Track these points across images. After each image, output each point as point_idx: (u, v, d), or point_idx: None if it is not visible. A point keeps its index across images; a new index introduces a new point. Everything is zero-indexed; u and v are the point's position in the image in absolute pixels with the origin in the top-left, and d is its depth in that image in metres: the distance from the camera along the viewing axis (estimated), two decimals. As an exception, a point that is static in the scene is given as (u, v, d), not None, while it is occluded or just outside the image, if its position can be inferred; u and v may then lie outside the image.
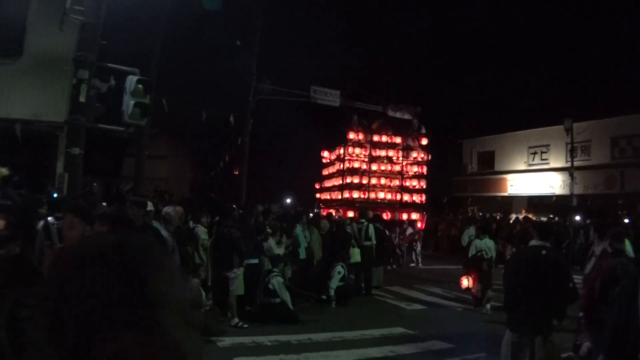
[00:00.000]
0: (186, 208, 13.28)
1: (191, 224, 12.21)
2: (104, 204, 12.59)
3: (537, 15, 57.96)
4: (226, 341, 9.76)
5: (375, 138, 24.13)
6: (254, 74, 25.01)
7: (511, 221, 29.70)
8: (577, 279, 13.81)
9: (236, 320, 10.90)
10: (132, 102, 11.26)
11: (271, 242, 12.62)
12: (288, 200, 35.10)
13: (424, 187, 25.20)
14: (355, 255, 15.47)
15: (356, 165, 23.82)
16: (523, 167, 38.05)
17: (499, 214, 34.50)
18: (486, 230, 14.50)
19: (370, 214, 18.57)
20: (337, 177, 25.69)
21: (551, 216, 31.76)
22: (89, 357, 1.00)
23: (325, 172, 28.61)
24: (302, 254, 14.51)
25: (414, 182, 24.91)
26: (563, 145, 31.77)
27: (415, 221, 24.57)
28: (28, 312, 1.22)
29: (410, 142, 24.82)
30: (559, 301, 6.26)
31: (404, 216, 24.25)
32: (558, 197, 33.92)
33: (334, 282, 13.91)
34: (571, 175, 28.05)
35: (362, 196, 23.62)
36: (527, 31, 58.86)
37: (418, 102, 27.12)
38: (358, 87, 29.01)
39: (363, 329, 11.04)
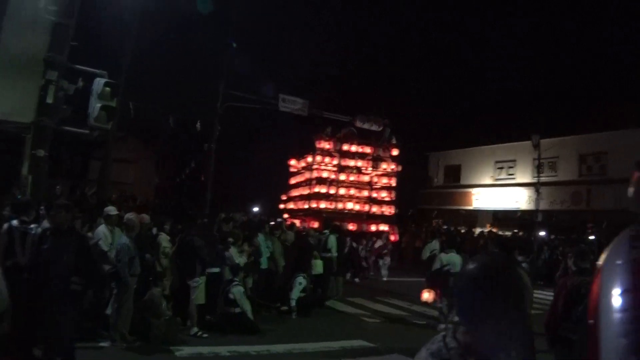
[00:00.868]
0: (150, 214, 13.17)
1: (154, 230, 12.08)
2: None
3: (505, 32, 58.69)
4: (185, 350, 9.65)
5: (345, 147, 24.09)
6: (222, 81, 24.87)
7: (475, 235, 29.82)
8: (541, 294, 13.97)
9: (196, 329, 10.78)
10: (98, 105, 11.14)
11: (233, 250, 12.53)
12: (255, 209, 34.98)
13: (393, 198, 25.20)
14: (318, 266, 15.36)
15: (324, 174, 23.73)
16: (489, 181, 38.34)
17: (463, 227, 34.68)
18: (452, 245, 14.18)
19: (334, 224, 18.49)
20: (304, 186, 25.57)
21: (515, 231, 32.00)
22: None
23: (292, 180, 28.49)
24: (264, 264, 14.41)
25: (383, 194, 24.89)
26: (530, 160, 32.11)
27: (384, 233, 24.28)
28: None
29: (381, 153, 24.81)
30: None
31: (372, 228, 24.14)
32: (523, 212, 34.24)
33: (295, 293, 13.83)
34: (537, 190, 28.32)
35: (330, 206, 23.51)
36: (495, 47, 59.55)
37: (385, 113, 27.20)
38: (327, 97, 29.11)
39: (323, 340, 10.97)
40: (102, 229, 10.36)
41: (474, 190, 38.78)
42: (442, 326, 12.69)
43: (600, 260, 2.22)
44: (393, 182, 25.21)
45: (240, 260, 12.67)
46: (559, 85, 49.05)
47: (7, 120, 13.20)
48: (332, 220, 22.27)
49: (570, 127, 33.25)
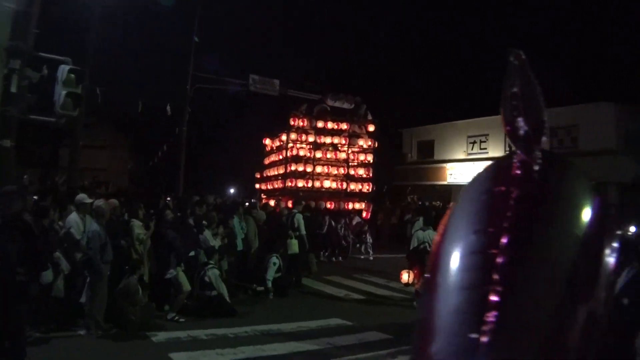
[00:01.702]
0: (122, 201, 13.06)
1: (126, 216, 12.01)
2: (35, 197, 12.32)
3: (477, 8, 58.79)
4: (161, 336, 9.64)
5: (320, 124, 23.90)
6: (191, 63, 24.64)
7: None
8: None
9: (173, 314, 10.77)
10: (63, 92, 10.96)
11: (207, 234, 12.50)
12: (232, 191, 34.86)
13: (371, 175, 25.11)
14: (294, 246, 15.33)
15: (300, 152, 23.56)
16: (462, 156, 38.49)
17: (438, 202, 34.83)
18: (428, 222, 13.04)
19: (303, 203, 18.41)
20: (279, 165, 25.35)
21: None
22: None
23: (267, 160, 28.33)
24: (239, 245, 14.38)
25: (360, 171, 24.74)
26: (502, 134, 32.22)
27: (361, 211, 24.36)
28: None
29: (357, 129, 24.65)
30: None
31: (350, 206, 24.05)
32: (497, 186, 34.47)
33: (270, 274, 13.83)
34: (509, 164, 28.44)
35: (306, 185, 23.37)
36: (466, 22, 59.65)
37: (357, 90, 27.11)
38: (297, 76, 28.98)
39: (300, 320, 11.01)
40: (73, 217, 10.26)
41: (448, 165, 38.90)
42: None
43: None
44: (370, 158, 25.07)
45: (215, 243, 12.65)
46: (530, 58, 49.32)
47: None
48: (309, 199, 22.26)
49: (541, 101, 33.46)
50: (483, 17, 61.88)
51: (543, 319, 1.28)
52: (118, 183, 29.52)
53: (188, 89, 24.53)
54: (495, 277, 1.27)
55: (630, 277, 5.45)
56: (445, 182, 39.10)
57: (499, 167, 1.70)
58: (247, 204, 18.71)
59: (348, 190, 24.39)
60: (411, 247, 12.63)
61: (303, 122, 23.61)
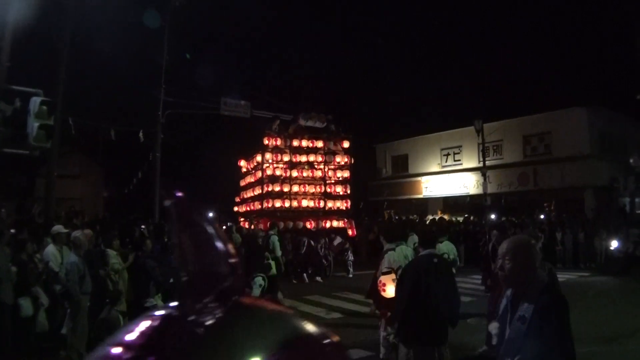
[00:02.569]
0: (97, 230, 13.02)
1: (102, 246, 11.97)
2: (12, 230, 12.25)
3: (445, 19, 59.39)
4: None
5: (295, 143, 23.87)
6: (162, 88, 24.61)
7: (427, 222, 30.12)
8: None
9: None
10: (36, 124, 10.95)
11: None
12: (210, 214, 34.71)
13: (348, 192, 25.06)
14: (272, 267, 15.30)
15: (277, 172, 23.51)
16: (437, 169, 38.80)
17: (415, 216, 35.00)
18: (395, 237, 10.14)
19: (281, 224, 18.34)
20: (256, 186, 25.21)
21: (466, 215, 32.46)
22: None
23: (243, 182, 28.25)
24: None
25: (338, 188, 24.68)
26: (475, 145, 32.58)
27: (343, 229, 24.14)
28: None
29: (332, 146, 24.59)
30: (453, 307, 6.48)
31: (328, 224, 23.93)
32: (473, 196, 34.77)
33: (255, 293, 13.81)
34: (484, 174, 28.78)
35: (284, 205, 23.29)
36: (436, 34, 60.19)
37: (329, 108, 27.20)
38: (268, 98, 29.02)
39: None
40: (50, 249, 10.26)
41: (423, 179, 39.21)
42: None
43: None
44: (347, 175, 25.04)
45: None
46: (499, 69, 49.86)
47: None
48: (287, 219, 22.27)
49: (512, 110, 33.90)
50: (451, 27, 62.56)
51: None
52: (93, 212, 29.29)
53: (160, 114, 24.49)
54: None
55: None
56: (421, 196, 39.35)
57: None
58: (223, 227, 18.62)
59: (326, 208, 24.32)
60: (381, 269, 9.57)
61: (277, 141, 23.56)
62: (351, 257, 22.67)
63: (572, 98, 31.21)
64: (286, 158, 23.72)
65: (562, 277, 21.66)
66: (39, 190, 29.58)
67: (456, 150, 37.72)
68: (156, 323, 1.36)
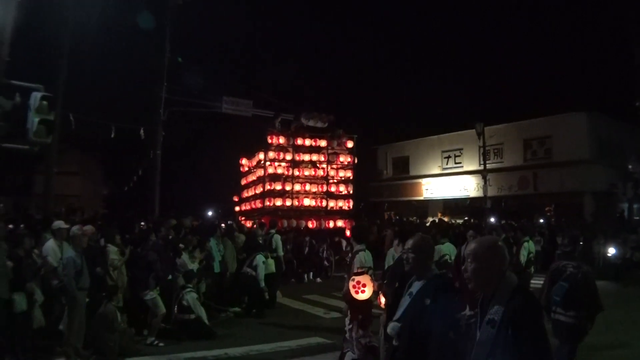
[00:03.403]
0: (98, 226, 13.01)
1: (102, 242, 11.94)
2: (10, 225, 12.24)
3: (448, 22, 59.43)
4: (141, 361, 9.60)
5: (299, 142, 23.76)
6: (164, 86, 24.55)
7: (427, 224, 30.08)
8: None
9: (152, 339, 10.73)
10: (36, 120, 10.92)
11: (185, 257, 12.47)
12: (210, 213, 34.69)
13: (351, 192, 24.90)
14: (270, 265, 15.23)
15: (279, 171, 23.39)
16: (437, 171, 38.84)
17: (415, 218, 34.99)
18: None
19: (285, 223, 18.31)
20: (257, 184, 25.11)
21: (466, 218, 32.44)
22: None
23: (244, 181, 28.18)
24: (217, 268, 14.37)
25: (341, 187, 24.56)
26: (476, 148, 32.62)
27: (344, 229, 23.78)
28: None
29: (335, 146, 24.45)
30: None
31: (331, 224, 23.76)
32: (473, 199, 34.78)
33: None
34: (484, 177, 28.76)
35: (285, 204, 23.21)
36: (438, 37, 60.24)
37: (331, 109, 27.11)
38: (269, 97, 28.96)
39: (280, 340, 10.97)
40: (50, 244, 10.25)
41: (423, 181, 39.24)
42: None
43: None
44: (350, 175, 24.93)
45: (193, 266, 12.63)
46: (502, 73, 49.88)
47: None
48: (288, 218, 22.21)
49: (513, 113, 33.97)
50: (453, 30, 62.58)
51: None
52: (92, 209, 29.27)
53: (161, 112, 24.43)
54: None
55: None
56: (421, 198, 39.39)
57: None
58: (222, 225, 18.58)
59: (328, 207, 24.21)
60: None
61: (280, 139, 23.44)
62: None
63: (573, 103, 31.39)
64: (289, 156, 23.57)
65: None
66: (37, 187, 29.58)
67: (457, 153, 37.74)
68: None
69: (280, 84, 38.97)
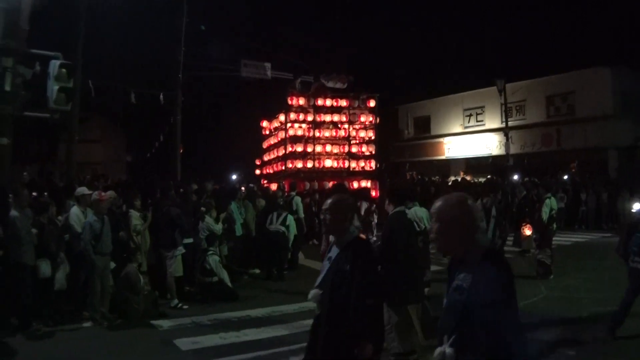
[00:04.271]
0: (120, 192, 13.14)
1: (124, 207, 12.08)
2: (34, 193, 12.39)
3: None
4: (165, 323, 9.73)
5: (319, 102, 23.48)
6: (182, 50, 24.49)
7: (449, 184, 29.95)
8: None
9: (176, 301, 10.88)
10: (56, 87, 10.99)
11: (209, 219, 12.55)
12: (233, 177, 34.81)
13: (373, 152, 24.62)
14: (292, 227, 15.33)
15: (299, 132, 23.19)
16: (459, 129, 38.56)
17: (437, 177, 34.88)
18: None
19: (307, 185, 18.31)
20: (279, 147, 25.00)
21: (489, 176, 32.25)
22: None
23: (265, 144, 28.09)
24: (238, 231, 14.44)
25: (363, 148, 24.31)
26: (498, 106, 32.25)
27: (368, 191, 22.86)
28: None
29: (357, 105, 24.18)
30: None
31: (355, 184, 23.19)
32: (495, 157, 34.49)
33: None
34: (506, 135, 28.52)
35: (306, 165, 23.11)
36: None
37: (350, 69, 26.90)
38: (288, 58, 28.81)
39: (301, 302, 11.05)
40: (74, 210, 10.38)
41: (445, 140, 39.01)
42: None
43: None
44: (372, 135, 24.51)
45: (218, 226, 12.69)
46: (523, 28, 49.14)
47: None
48: (311, 180, 22.17)
49: (536, 70, 33.52)
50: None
51: None
52: (115, 176, 29.53)
53: (180, 77, 24.44)
54: None
55: None
56: (443, 157, 39.19)
57: None
58: (242, 188, 18.60)
59: (350, 168, 23.97)
60: None
61: (300, 100, 23.23)
62: (375, 220, 22.38)
63: (596, 58, 30.78)
64: (309, 117, 23.30)
65: (585, 237, 21.66)
66: (61, 155, 29.86)
67: (479, 111, 37.41)
68: None
69: (298, 45, 38.67)
